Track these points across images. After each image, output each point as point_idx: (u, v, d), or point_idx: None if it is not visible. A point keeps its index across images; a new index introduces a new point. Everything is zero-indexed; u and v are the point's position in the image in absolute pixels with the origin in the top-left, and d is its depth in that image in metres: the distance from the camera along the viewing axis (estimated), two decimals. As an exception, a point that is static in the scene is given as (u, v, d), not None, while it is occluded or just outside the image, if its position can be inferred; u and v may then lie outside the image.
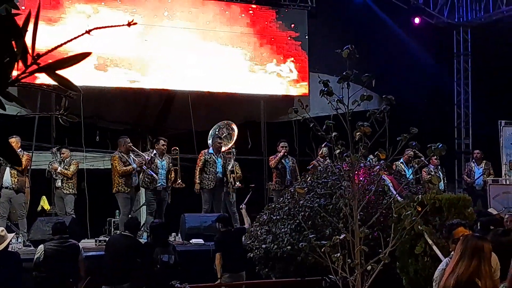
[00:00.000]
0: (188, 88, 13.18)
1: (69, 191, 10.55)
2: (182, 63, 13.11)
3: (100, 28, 1.45)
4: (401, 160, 12.11)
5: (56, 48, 1.36)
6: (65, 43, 1.37)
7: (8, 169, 9.84)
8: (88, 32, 1.42)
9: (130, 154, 10.59)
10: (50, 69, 1.31)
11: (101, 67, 12.19)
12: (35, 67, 1.31)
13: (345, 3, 14.65)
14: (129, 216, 9.75)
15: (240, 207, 9.67)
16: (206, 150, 11.28)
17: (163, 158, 10.83)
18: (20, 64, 1.32)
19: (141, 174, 10.64)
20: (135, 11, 12.76)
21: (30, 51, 1.31)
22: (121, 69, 12.51)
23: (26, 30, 1.32)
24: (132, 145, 10.69)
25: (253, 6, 14.08)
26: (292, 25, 14.32)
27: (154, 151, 10.83)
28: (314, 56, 14.22)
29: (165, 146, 10.83)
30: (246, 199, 10.05)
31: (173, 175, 10.93)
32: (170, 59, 13.02)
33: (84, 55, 1.34)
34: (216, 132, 11.88)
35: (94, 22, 12.17)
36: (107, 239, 9.17)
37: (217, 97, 13.44)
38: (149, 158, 10.51)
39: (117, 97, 12.76)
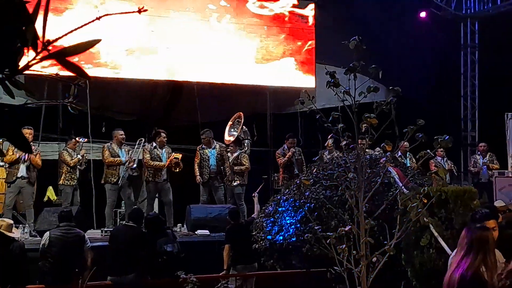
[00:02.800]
0: (195, 79, 13.17)
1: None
2: (188, 54, 13.10)
3: (110, 14, 1.45)
4: (399, 153, 12.08)
5: (66, 34, 1.36)
6: (75, 29, 1.37)
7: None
8: (98, 18, 1.43)
9: (123, 146, 10.75)
10: (60, 56, 1.32)
11: (108, 58, 12.19)
12: (45, 53, 1.31)
13: (352, -6, 14.61)
14: (113, 207, 10.11)
15: (253, 195, 9.73)
16: (200, 145, 11.49)
17: (164, 149, 10.95)
18: (30, 52, 1.32)
19: (143, 168, 10.84)
20: (142, 1, 12.73)
21: (40, 38, 1.31)
22: (128, 60, 12.50)
23: (36, 17, 1.32)
24: (124, 137, 10.94)
25: (260, -3, 14.04)
26: (299, 14, 14.27)
27: (154, 144, 10.95)
28: (321, 47, 14.18)
29: (165, 138, 10.97)
30: (258, 189, 10.17)
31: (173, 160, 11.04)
32: (176, 50, 13.01)
33: (94, 42, 1.34)
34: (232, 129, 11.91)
35: (101, 13, 12.17)
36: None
37: (224, 88, 13.43)
38: (134, 158, 10.68)
39: (123, 88, 12.77)
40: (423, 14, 15.84)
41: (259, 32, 13.91)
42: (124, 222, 9.36)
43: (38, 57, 1.31)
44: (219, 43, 13.43)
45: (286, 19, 14.23)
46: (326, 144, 11.33)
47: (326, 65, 6.63)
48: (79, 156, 10.61)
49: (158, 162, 10.84)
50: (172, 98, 14.09)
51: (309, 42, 14.28)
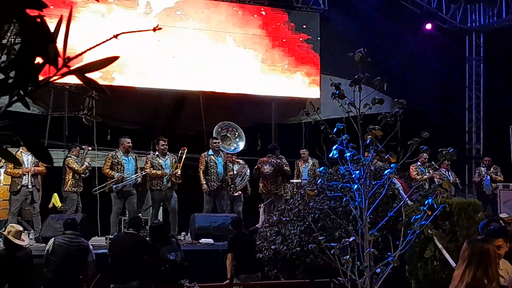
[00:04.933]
0: (200, 89, 13.23)
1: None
2: (194, 63, 13.17)
3: (127, 32, 1.49)
4: (418, 163, 12.16)
5: (85, 52, 1.41)
6: (94, 47, 1.41)
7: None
8: (116, 36, 1.47)
9: (130, 154, 10.78)
10: (80, 72, 1.36)
11: (114, 67, 12.24)
12: (65, 69, 1.35)
13: (358, 6, 14.65)
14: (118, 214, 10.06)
15: (259, 206, 9.75)
16: (206, 152, 11.41)
17: (166, 157, 10.93)
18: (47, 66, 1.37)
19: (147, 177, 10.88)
20: (148, 11, 12.83)
21: (61, 54, 1.35)
22: (134, 69, 12.56)
23: (57, 35, 1.36)
24: (131, 145, 10.91)
25: (266, 7, 14.11)
26: (304, 26, 14.36)
27: (157, 153, 10.96)
28: (326, 58, 14.24)
29: (164, 146, 10.94)
30: (267, 201, 10.27)
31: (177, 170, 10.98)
32: (182, 60, 13.07)
33: (112, 59, 1.38)
34: (219, 131, 11.97)
35: (107, 22, 12.26)
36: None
37: (229, 98, 13.47)
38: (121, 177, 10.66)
39: (129, 97, 12.82)
40: (428, 26, 15.89)
41: (265, 42, 13.97)
42: (124, 230, 9.38)
43: (59, 73, 1.36)
44: (224, 53, 13.49)
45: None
46: (330, 155, 11.33)
47: (331, 76, 6.68)
48: (86, 164, 10.66)
49: (156, 171, 10.80)
50: (177, 107, 14.13)
51: (315, 53, 14.33)
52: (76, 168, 10.54)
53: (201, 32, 13.33)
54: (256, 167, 11.52)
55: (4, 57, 1.44)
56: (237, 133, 12.12)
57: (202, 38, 13.33)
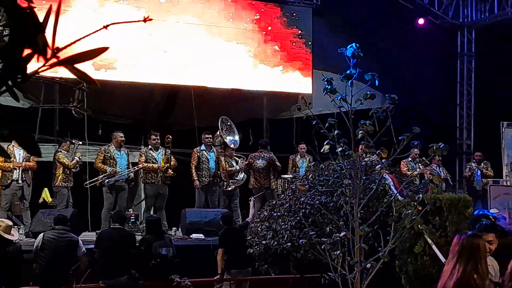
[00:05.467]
0: (192, 84, 13.19)
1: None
2: (185, 58, 13.12)
3: (117, 23, 1.48)
4: (409, 158, 12.23)
5: (74, 42, 1.39)
6: (83, 37, 1.40)
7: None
8: (105, 27, 1.46)
9: (122, 149, 10.74)
10: (69, 63, 1.35)
11: (105, 61, 12.19)
12: (54, 60, 1.34)
13: (350, 1, 14.65)
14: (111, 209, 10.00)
15: (249, 199, 9.77)
16: (198, 148, 11.40)
17: (158, 151, 10.91)
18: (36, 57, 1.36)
19: (141, 170, 10.83)
20: (140, 5, 12.77)
21: (50, 45, 1.34)
22: (125, 63, 12.51)
23: (47, 25, 1.35)
24: (124, 139, 10.84)
25: (259, 2, 14.08)
26: (297, 18, 14.34)
27: (150, 147, 10.94)
28: (318, 53, 14.23)
29: (156, 140, 10.92)
30: (258, 194, 10.28)
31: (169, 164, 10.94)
32: (173, 54, 13.03)
33: (102, 50, 1.37)
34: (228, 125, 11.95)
35: (99, 15, 12.20)
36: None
37: (221, 93, 13.44)
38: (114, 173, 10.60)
39: (120, 92, 12.77)
40: (421, 21, 15.92)
41: (257, 37, 13.94)
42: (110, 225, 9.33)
43: (48, 63, 1.34)
44: (216, 48, 13.45)
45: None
46: (322, 150, 11.33)
47: (323, 71, 6.67)
48: (76, 158, 10.61)
49: (152, 164, 10.80)
50: (168, 102, 14.10)
51: (307, 48, 14.32)
52: (66, 163, 10.50)
53: (193, 26, 13.27)
54: (247, 162, 11.53)
55: None
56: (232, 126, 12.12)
57: (194, 32, 13.28)
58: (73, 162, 10.56)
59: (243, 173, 11.55)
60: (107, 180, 10.47)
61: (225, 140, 11.55)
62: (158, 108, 14.21)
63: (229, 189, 11.36)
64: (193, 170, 11.15)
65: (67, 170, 10.55)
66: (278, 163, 11.59)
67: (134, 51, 12.64)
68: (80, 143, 10.94)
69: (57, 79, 1.76)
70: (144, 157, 10.81)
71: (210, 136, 11.49)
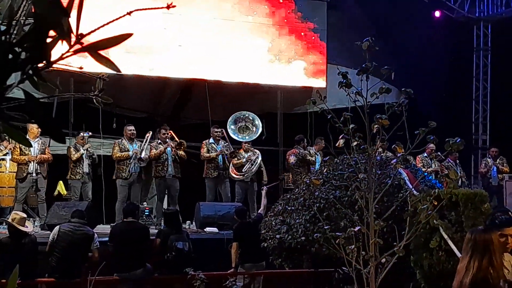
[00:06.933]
0: (206, 77, 13.19)
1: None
2: (200, 52, 13.12)
3: (140, 10, 1.48)
4: (425, 154, 12.17)
5: (97, 29, 1.39)
6: (107, 23, 1.40)
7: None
8: (129, 13, 1.45)
9: (134, 142, 10.79)
10: (92, 49, 1.34)
11: (119, 54, 12.20)
12: (78, 47, 1.34)
13: (365, -5, 14.58)
14: (127, 202, 9.98)
15: (262, 188, 9.80)
16: (207, 140, 11.52)
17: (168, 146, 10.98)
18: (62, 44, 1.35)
19: (152, 164, 10.85)
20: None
21: (74, 30, 1.33)
22: (140, 56, 12.52)
23: (71, 10, 1.34)
24: (135, 133, 10.95)
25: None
26: (311, 12, 14.28)
27: (159, 140, 10.98)
28: (333, 47, 14.17)
29: (165, 135, 10.99)
30: (271, 185, 10.43)
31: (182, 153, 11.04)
32: (188, 48, 13.03)
33: (126, 36, 1.37)
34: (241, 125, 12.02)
35: (114, 4, 12.16)
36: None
37: (235, 87, 13.43)
38: (141, 149, 10.72)
39: (135, 85, 12.80)
40: (437, 14, 15.82)
41: (271, 31, 13.91)
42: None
43: (71, 50, 1.34)
44: (231, 42, 13.44)
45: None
46: (337, 144, 11.31)
47: (338, 65, 6.63)
48: (81, 151, 10.61)
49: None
50: (182, 95, 14.12)
51: (322, 42, 14.26)
52: (71, 156, 10.55)
53: (208, 20, 13.26)
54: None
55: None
56: (256, 122, 12.13)
57: (209, 26, 13.27)
58: (76, 155, 10.56)
59: (251, 164, 11.54)
60: (134, 165, 10.61)
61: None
62: (172, 102, 14.24)
63: (243, 178, 11.39)
64: (205, 152, 11.37)
65: (77, 162, 10.59)
66: (310, 158, 11.86)
67: (149, 45, 12.63)
68: (89, 134, 10.94)
69: (78, 68, 1.76)
70: (154, 150, 10.86)
71: (220, 130, 11.55)
